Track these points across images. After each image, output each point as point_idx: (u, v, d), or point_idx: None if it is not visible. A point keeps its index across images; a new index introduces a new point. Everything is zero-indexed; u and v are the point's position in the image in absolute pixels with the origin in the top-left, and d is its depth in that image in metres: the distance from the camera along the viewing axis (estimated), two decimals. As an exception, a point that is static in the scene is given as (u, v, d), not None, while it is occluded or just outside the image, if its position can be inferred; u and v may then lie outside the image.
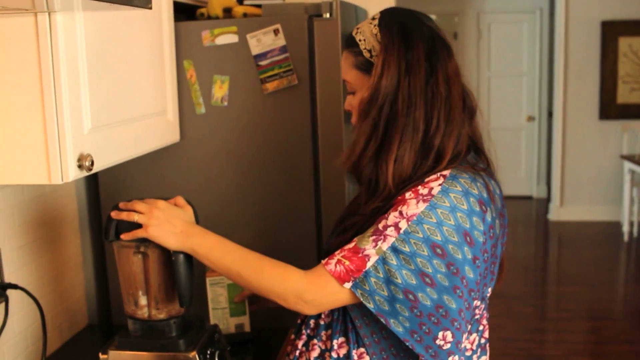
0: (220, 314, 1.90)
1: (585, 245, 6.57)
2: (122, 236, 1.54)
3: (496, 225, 1.40)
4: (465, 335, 1.41)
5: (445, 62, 1.40)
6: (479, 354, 1.51)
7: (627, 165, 6.60)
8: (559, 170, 7.42)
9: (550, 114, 8.07)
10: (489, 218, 1.37)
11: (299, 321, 1.60)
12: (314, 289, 1.38)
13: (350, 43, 1.47)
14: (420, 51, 1.38)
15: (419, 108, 1.36)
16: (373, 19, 1.45)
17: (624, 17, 7.06)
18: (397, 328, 1.33)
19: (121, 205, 1.56)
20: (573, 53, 7.21)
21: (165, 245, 1.51)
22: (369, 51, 1.42)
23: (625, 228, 6.66)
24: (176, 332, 1.63)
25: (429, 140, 1.37)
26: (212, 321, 1.88)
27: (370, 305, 1.33)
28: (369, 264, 1.33)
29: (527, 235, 7.22)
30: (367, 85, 1.42)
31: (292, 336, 1.61)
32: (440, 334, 1.34)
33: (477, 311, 1.43)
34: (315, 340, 1.50)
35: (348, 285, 1.34)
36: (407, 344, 1.35)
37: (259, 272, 1.43)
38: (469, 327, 1.44)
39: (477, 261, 1.35)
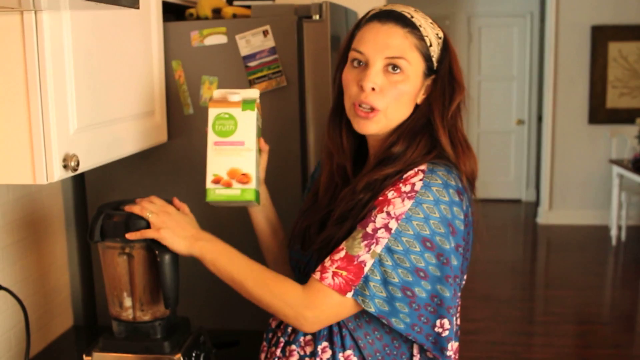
0: (256, 159, 1.57)
1: (574, 249, 6.59)
2: (128, 235, 1.51)
3: (469, 213, 1.43)
4: (454, 319, 1.44)
5: None
6: (454, 340, 1.51)
7: (616, 169, 6.63)
8: (548, 174, 7.43)
9: (539, 118, 8.09)
10: (464, 207, 1.40)
11: (271, 328, 1.60)
12: (313, 305, 1.38)
13: (410, 24, 1.42)
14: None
15: None
16: (416, 10, 1.45)
17: (614, 22, 7.08)
18: (399, 325, 1.36)
19: (126, 207, 1.55)
20: (563, 57, 7.23)
21: (174, 249, 1.49)
22: (430, 41, 1.43)
23: (614, 232, 6.68)
24: (161, 334, 1.62)
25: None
26: (256, 171, 1.54)
27: (371, 309, 1.34)
28: (366, 269, 1.34)
29: (515, 238, 7.24)
30: (420, 73, 1.43)
31: (265, 343, 1.61)
32: (437, 322, 1.38)
33: (457, 301, 1.46)
34: (293, 346, 1.49)
35: (350, 294, 1.35)
36: (409, 337, 1.38)
37: (262, 286, 1.42)
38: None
39: (459, 249, 1.38)
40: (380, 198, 1.38)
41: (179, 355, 1.59)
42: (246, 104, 1.54)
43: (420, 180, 1.36)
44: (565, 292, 5.38)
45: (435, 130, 1.43)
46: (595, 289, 5.50)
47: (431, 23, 1.45)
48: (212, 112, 1.53)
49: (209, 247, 1.47)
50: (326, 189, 1.56)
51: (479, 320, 4.75)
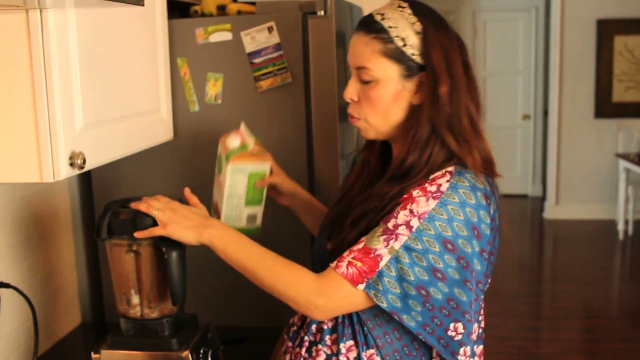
0: (235, 202, 1.76)
1: (581, 244, 6.57)
2: (136, 234, 1.51)
3: (496, 218, 1.41)
4: (475, 326, 1.42)
5: (469, 60, 1.44)
6: (477, 343, 1.51)
7: (622, 163, 6.61)
8: (554, 169, 7.42)
9: (545, 113, 8.08)
10: (491, 211, 1.38)
11: (295, 328, 1.58)
12: (326, 294, 1.37)
13: (375, 28, 1.38)
14: (456, 46, 1.41)
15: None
16: (400, 7, 1.40)
17: (620, 15, 7.06)
18: (410, 323, 1.34)
19: (132, 205, 1.55)
20: (569, 51, 7.21)
21: (183, 241, 1.49)
22: (403, 39, 1.38)
23: (620, 226, 6.67)
24: (169, 331, 1.62)
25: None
26: (225, 211, 1.74)
27: (384, 305, 1.33)
28: (382, 264, 1.33)
29: (522, 233, 7.22)
30: (394, 76, 1.39)
31: (289, 344, 1.58)
32: (451, 326, 1.35)
33: (480, 303, 1.43)
34: (319, 346, 1.48)
35: (362, 286, 1.34)
36: (419, 337, 1.36)
37: (274, 273, 1.42)
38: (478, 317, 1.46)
39: (484, 253, 1.36)
40: (405, 195, 1.36)
41: (187, 352, 1.59)
42: (230, 153, 1.70)
43: (447, 181, 1.34)
44: (573, 286, 5.37)
45: (438, 131, 1.38)
46: (603, 283, 5.49)
47: (408, 17, 1.38)
48: (219, 150, 1.75)
49: (218, 234, 1.47)
50: (355, 180, 1.56)
51: (486, 316, 4.69)
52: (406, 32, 1.38)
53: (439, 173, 1.36)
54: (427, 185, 1.35)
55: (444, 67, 1.38)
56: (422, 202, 1.33)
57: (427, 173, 1.37)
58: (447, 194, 1.33)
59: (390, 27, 1.38)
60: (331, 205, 1.63)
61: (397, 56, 1.38)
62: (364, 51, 1.40)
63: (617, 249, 6.44)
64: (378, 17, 1.40)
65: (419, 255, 1.31)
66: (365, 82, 1.41)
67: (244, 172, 1.71)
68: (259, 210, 1.79)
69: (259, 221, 1.79)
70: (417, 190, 1.35)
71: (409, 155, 1.39)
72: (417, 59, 1.38)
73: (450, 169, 1.37)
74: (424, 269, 1.32)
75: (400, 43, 1.38)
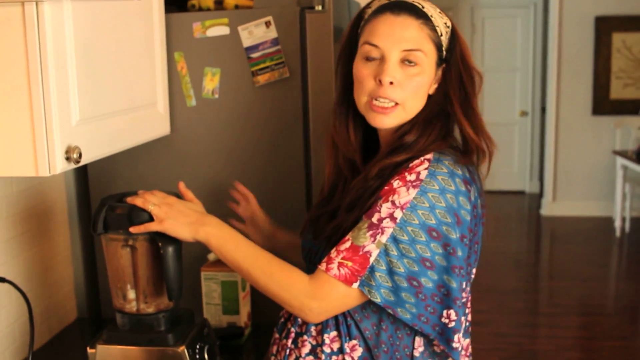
0: (214, 310, 1.92)
1: (578, 241, 6.58)
2: (132, 229, 1.50)
3: (478, 205, 1.42)
4: (462, 318, 1.42)
5: None
6: (464, 336, 1.50)
7: (620, 160, 6.61)
8: (551, 166, 7.42)
9: (543, 109, 8.08)
10: (472, 197, 1.39)
11: (282, 319, 1.59)
12: (319, 296, 1.37)
13: (423, 15, 1.40)
14: None
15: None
16: (425, 1, 1.43)
17: (618, 12, 7.05)
18: (405, 315, 1.35)
19: (129, 200, 1.54)
20: (567, 48, 7.21)
21: (179, 237, 1.49)
22: (440, 30, 1.41)
23: (617, 223, 6.67)
24: (165, 326, 1.62)
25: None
26: (206, 316, 1.88)
27: (377, 300, 1.34)
28: (372, 259, 1.33)
29: (519, 230, 7.23)
30: (433, 63, 1.42)
31: (277, 335, 1.60)
32: (444, 312, 1.36)
33: (463, 294, 1.42)
34: (305, 337, 1.48)
35: (356, 285, 1.34)
36: (415, 327, 1.37)
37: (268, 275, 1.42)
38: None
39: (464, 239, 1.37)
40: (386, 187, 1.37)
41: (182, 348, 1.59)
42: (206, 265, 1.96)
43: (426, 169, 1.35)
44: (570, 283, 5.38)
45: (458, 120, 1.42)
46: (600, 281, 5.50)
47: (439, 12, 1.43)
48: None
49: (214, 232, 1.46)
50: (334, 183, 1.55)
51: (483, 312, 4.74)
52: (440, 24, 1.42)
53: (417, 161, 1.38)
54: (406, 174, 1.36)
55: (471, 64, 1.45)
56: (402, 193, 1.34)
57: (420, 152, 1.39)
58: (426, 182, 1.34)
59: (432, 16, 1.42)
60: (314, 205, 1.63)
61: (438, 45, 1.42)
62: (419, 34, 1.40)
63: (614, 246, 6.45)
64: (419, 6, 1.41)
65: (405, 246, 1.32)
66: (409, 66, 1.40)
67: (216, 281, 1.91)
68: (237, 319, 1.92)
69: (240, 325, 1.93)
70: (398, 181, 1.36)
71: (413, 130, 1.42)
72: (444, 52, 1.43)
73: (429, 156, 1.38)
74: (413, 260, 1.32)
75: (439, 33, 1.42)
